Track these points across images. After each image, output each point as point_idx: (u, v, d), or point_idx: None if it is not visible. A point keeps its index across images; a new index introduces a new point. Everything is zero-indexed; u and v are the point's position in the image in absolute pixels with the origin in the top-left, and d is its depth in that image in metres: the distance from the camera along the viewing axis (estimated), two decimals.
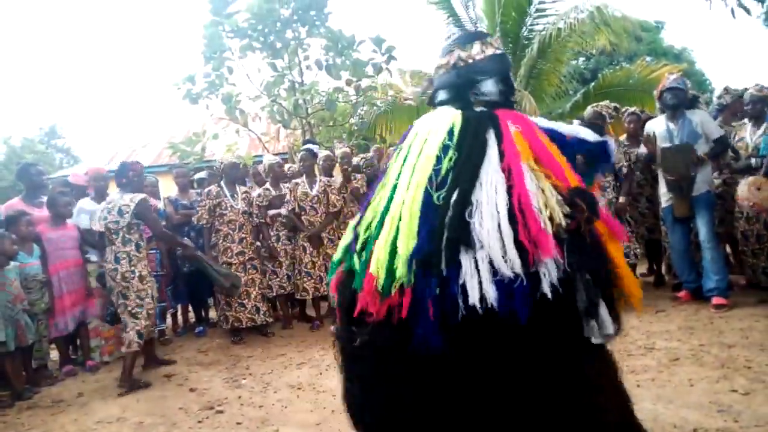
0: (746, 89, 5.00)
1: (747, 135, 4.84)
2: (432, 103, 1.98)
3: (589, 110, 5.45)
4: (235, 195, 5.53)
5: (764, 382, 3.05)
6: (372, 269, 1.66)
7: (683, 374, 3.24)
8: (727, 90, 5.65)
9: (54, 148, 29.25)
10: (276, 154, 8.34)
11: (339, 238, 5.72)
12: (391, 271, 1.62)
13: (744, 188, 3.96)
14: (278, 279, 5.80)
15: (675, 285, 5.22)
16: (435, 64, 1.95)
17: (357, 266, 1.76)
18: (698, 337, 3.92)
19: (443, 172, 1.70)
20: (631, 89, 9.99)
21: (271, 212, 5.79)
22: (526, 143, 1.72)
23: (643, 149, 5.22)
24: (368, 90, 9.07)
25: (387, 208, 1.75)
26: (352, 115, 9.58)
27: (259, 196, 5.80)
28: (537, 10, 10.05)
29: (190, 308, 6.40)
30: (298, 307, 6.19)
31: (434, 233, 1.62)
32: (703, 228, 4.66)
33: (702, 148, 4.70)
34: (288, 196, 5.71)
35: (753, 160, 4.50)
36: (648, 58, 13.59)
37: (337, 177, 5.88)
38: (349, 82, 8.87)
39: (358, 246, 1.81)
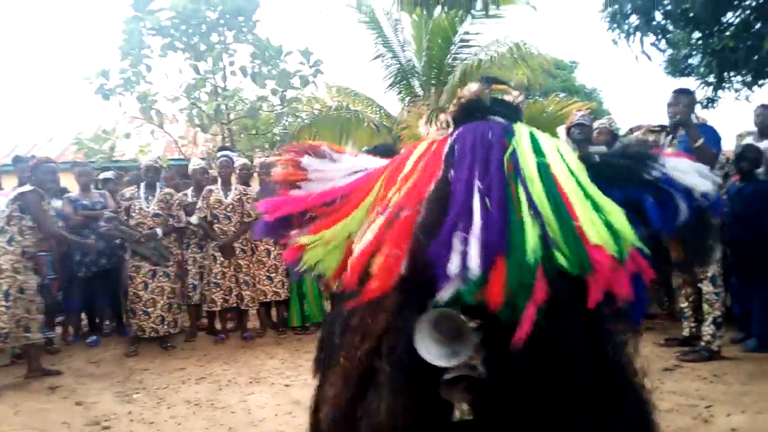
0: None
1: None
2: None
3: None
4: (151, 197, 5.29)
5: None
6: (596, 240, 1.40)
7: None
8: (632, 131, 6.09)
9: None
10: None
11: (252, 249, 5.64)
12: (616, 235, 1.44)
13: None
14: (184, 288, 5.57)
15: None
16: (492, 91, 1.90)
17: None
18: None
19: None
20: (544, 122, 10.55)
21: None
22: None
23: None
24: (293, 101, 9.00)
25: (550, 191, 1.52)
26: (276, 125, 9.46)
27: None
28: (461, 40, 10.44)
29: (83, 316, 6.00)
30: (204, 318, 5.98)
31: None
32: None
33: None
34: (200, 203, 5.52)
35: None
36: (561, 95, 14.42)
37: (255, 186, 5.76)
38: (274, 92, 8.76)
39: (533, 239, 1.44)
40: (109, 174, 6.41)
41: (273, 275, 5.66)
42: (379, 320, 1.47)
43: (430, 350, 1.36)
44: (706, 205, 1.59)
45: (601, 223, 1.43)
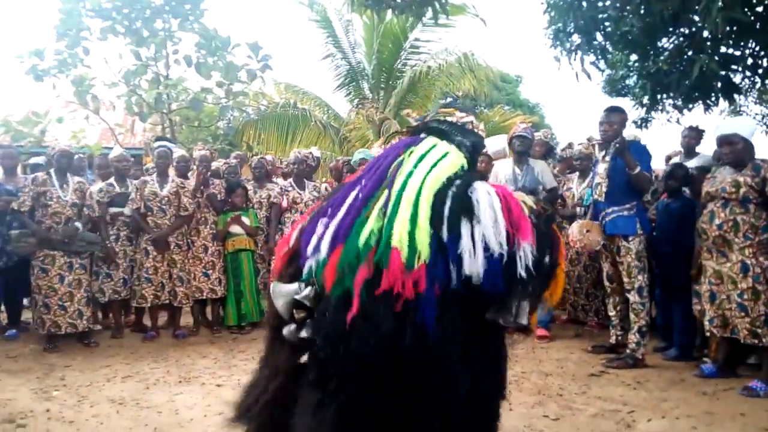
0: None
1: (574, 186, 5.45)
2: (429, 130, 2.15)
3: None
4: (65, 186, 5.00)
5: (572, 409, 3.37)
6: (395, 243, 1.70)
7: None
8: (570, 145, 6.31)
9: None
10: (130, 149, 7.73)
11: (187, 245, 5.47)
12: (413, 245, 1.70)
13: (575, 230, 4.41)
14: (112, 283, 5.32)
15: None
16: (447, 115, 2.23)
17: (370, 245, 1.75)
18: (521, 365, 4.25)
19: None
20: (488, 133, 10.79)
21: (113, 210, 5.33)
22: None
23: None
24: (239, 95, 8.81)
25: (400, 195, 1.82)
26: (220, 119, 9.24)
27: (100, 191, 5.33)
28: (411, 46, 10.56)
29: (1, 308, 5.64)
30: (133, 314, 5.74)
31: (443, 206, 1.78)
32: None
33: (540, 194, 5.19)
34: (133, 194, 5.29)
35: (578, 209, 5.06)
36: (506, 107, 14.83)
37: (192, 180, 5.58)
38: (219, 84, 8.55)
39: (368, 230, 1.78)
40: (39, 159, 6.05)
41: (210, 272, 5.50)
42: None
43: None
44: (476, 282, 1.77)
45: (407, 232, 1.71)
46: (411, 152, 1.97)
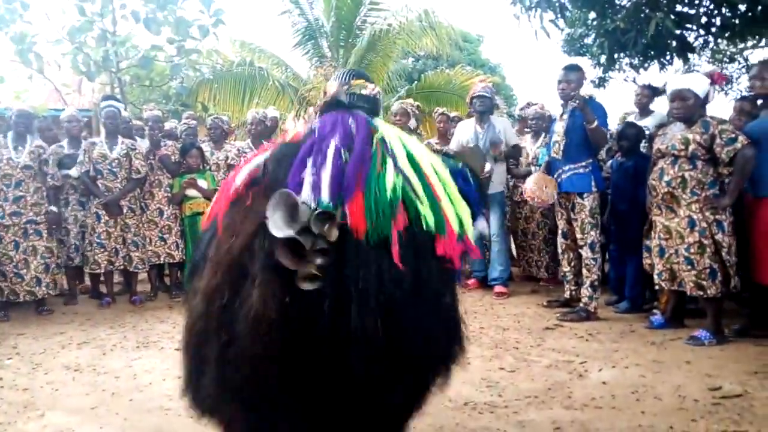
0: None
1: (527, 145, 5.51)
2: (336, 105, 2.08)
3: (396, 105, 5.85)
4: (20, 148, 4.79)
5: (527, 361, 3.48)
6: (449, 215, 1.80)
7: None
8: (528, 104, 6.34)
9: None
10: (80, 111, 7.40)
11: (141, 208, 5.32)
12: (461, 221, 1.84)
13: (531, 184, 4.47)
14: (65, 249, 5.16)
15: (467, 273, 5.73)
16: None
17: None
18: (479, 320, 4.35)
19: None
20: (449, 92, 10.76)
21: (62, 173, 5.12)
22: None
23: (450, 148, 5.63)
24: (191, 53, 8.47)
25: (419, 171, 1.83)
26: (172, 78, 8.88)
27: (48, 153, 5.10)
28: (371, 2, 10.31)
29: None
30: (89, 281, 5.60)
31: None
32: (494, 223, 5.18)
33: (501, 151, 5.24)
34: (81, 157, 5.08)
35: (532, 168, 5.14)
36: (468, 68, 14.76)
37: (143, 141, 5.39)
38: (170, 41, 8.18)
39: (390, 182, 1.74)
40: None
41: (166, 236, 5.38)
42: (249, 222, 1.67)
43: (277, 225, 1.55)
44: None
45: (453, 212, 1.83)
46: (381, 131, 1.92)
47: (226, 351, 1.61)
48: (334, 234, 1.57)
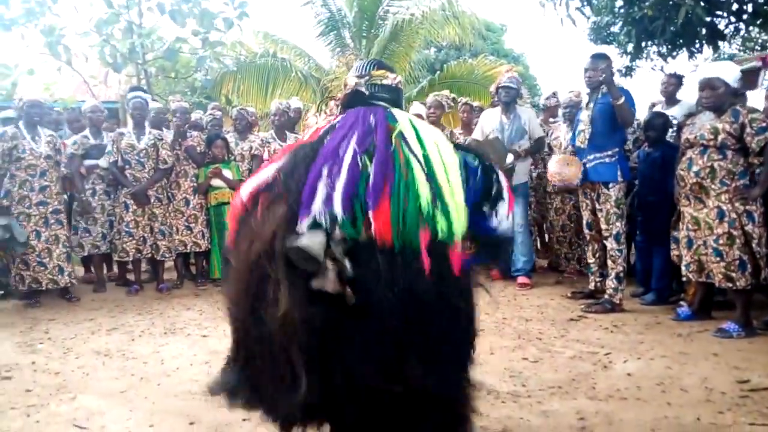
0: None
1: (561, 134, 5.43)
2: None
3: (430, 98, 5.82)
4: (37, 138, 4.86)
5: (550, 352, 3.46)
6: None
7: (486, 344, 3.55)
8: (554, 94, 6.27)
9: None
10: (105, 102, 7.53)
11: (168, 198, 5.40)
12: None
13: (554, 164, 4.42)
14: (91, 237, 5.28)
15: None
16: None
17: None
18: (502, 311, 4.33)
19: None
20: (472, 82, 10.67)
21: (88, 163, 5.22)
22: None
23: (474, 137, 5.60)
24: (216, 45, 8.54)
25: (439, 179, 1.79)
26: (197, 70, 8.98)
27: (74, 143, 5.20)
28: None
29: None
30: (116, 269, 5.72)
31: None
32: (517, 215, 5.14)
33: (525, 144, 5.18)
34: (110, 147, 5.17)
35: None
36: (491, 57, 14.61)
37: (170, 132, 5.47)
38: (195, 33, 8.26)
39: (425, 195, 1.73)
40: (10, 113, 5.87)
41: (192, 225, 5.46)
42: (269, 227, 1.69)
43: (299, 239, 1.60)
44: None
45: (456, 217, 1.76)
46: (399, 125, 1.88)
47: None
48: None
